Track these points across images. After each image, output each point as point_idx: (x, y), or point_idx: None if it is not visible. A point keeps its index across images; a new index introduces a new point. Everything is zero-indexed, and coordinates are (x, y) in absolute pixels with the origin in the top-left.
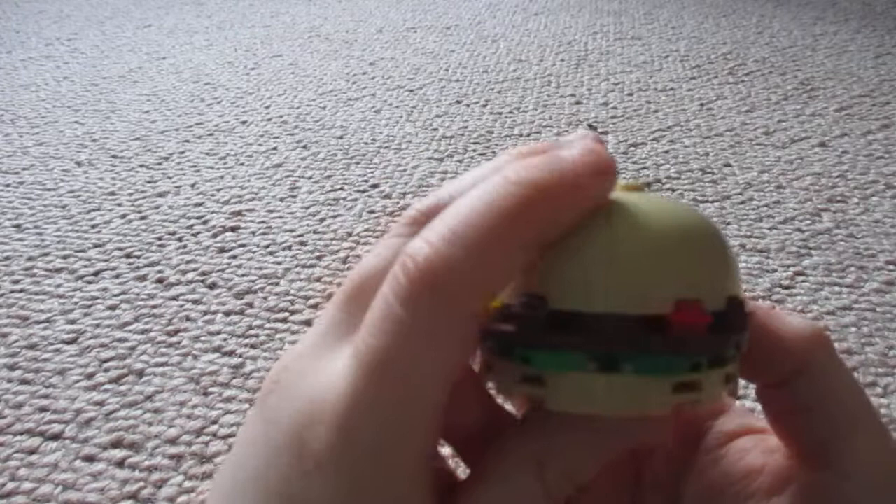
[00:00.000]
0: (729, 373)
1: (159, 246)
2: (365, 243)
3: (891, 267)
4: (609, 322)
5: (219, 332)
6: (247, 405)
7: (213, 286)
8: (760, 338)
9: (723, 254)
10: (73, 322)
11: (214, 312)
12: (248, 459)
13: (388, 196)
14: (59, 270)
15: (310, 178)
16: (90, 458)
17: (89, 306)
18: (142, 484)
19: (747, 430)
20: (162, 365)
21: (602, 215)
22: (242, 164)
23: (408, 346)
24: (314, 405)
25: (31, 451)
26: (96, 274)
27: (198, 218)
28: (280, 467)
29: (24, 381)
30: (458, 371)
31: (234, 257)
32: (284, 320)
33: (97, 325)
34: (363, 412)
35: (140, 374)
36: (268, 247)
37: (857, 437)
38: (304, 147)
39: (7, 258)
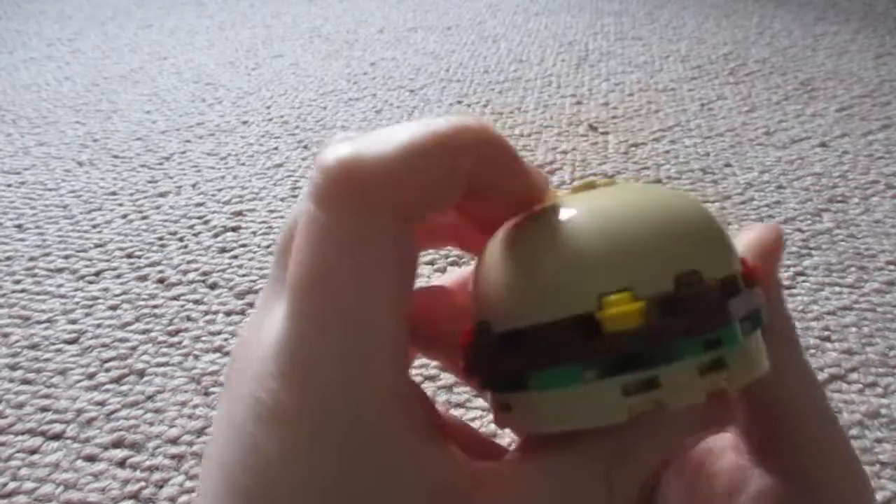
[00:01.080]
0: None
1: (160, 246)
2: None
3: (891, 267)
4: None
5: (220, 332)
6: None
7: (214, 286)
8: None
9: (667, 231)
10: (74, 322)
11: (215, 312)
12: (214, 445)
13: None
14: (60, 270)
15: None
16: (91, 458)
17: (90, 306)
18: (143, 484)
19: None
20: (163, 365)
21: (527, 227)
22: (243, 164)
23: (333, 252)
24: (263, 362)
25: (33, 451)
26: (97, 274)
27: (199, 218)
28: (241, 433)
29: (25, 381)
30: (405, 282)
31: (235, 257)
32: None
33: (98, 325)
34: (302, 347)
35: (141, 374)
36: (269, 247)
37: (810, 440)
38: (305, 147)
39: (9, 258)
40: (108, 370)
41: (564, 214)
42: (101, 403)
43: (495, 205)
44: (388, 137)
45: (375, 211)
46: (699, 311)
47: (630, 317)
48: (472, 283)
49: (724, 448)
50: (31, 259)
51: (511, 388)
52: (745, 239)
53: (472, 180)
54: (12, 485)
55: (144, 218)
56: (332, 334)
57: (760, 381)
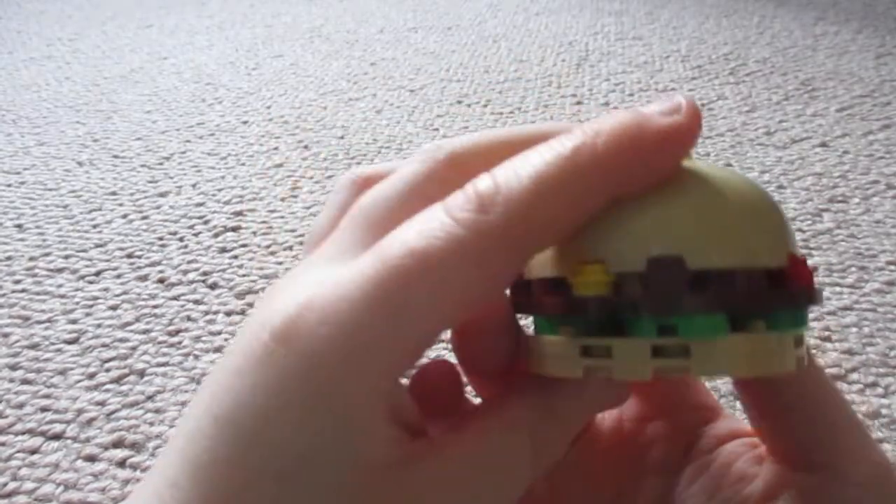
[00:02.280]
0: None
1: (160, 246)
2: None
3: (892, 267)
4: (740, 278)
5: (220, 332)
6: None
7: (214, 286)
8: None
9: (778, 212)
10: (74, 322)
11: (216, 312)
12: (215, 368)
13: None
14: (60, 270)
15: (311, 178)
16: (91, 458)
17: (91, 306)
18: None
19: (737, 434)
20: (163, 365)
21: (676, 178)
22: (244, 164)
23: (444, 249)
24: (292, 295)
25: (33, 451)
26: (98, 274)
27: (199, 218)
28: (235, 362)
29: (25, 381)
30: (474, 309)
31: (236, 257)
32: None
33: (98, 325)
34: (362, 301)
35: (141, 374)
36: (269, 247)
37: (847, 437)
38: (306, 147)
39: (9, 258)
40: (108, 370)
41: (706, 172)
42: (102, 403)
43: (649, 181)
44: (519, 171)
45: (497, 239)
46: (659, 294)
47: (598, 285)
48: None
49: (749, 452)
50: (32, 259)
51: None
52: None
53: (615, 185)
54: (12, 485)
55: (144, 218)
56: (387, 304)
57: (787, 387)
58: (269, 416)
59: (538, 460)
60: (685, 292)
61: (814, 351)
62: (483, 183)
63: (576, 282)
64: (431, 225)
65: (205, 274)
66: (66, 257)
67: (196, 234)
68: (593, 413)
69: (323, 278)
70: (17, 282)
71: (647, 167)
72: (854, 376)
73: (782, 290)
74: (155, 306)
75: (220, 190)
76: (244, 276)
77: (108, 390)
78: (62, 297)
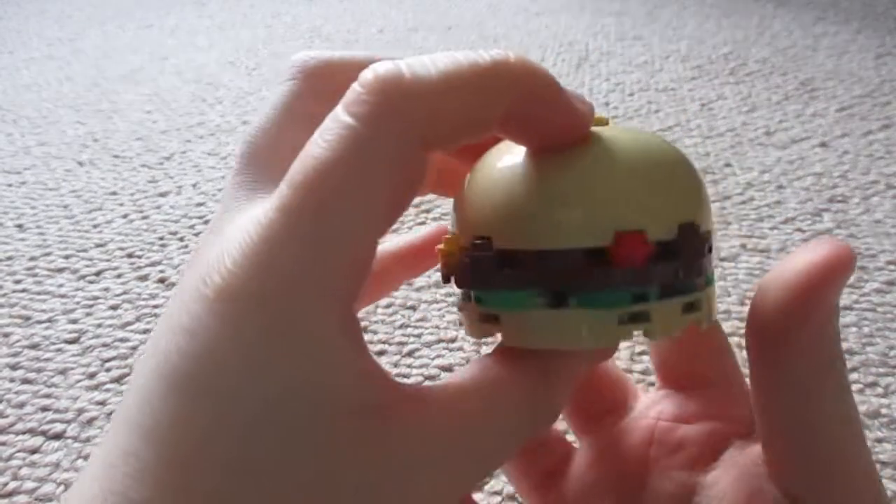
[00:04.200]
0: (689, 302)
1: (161, 246)
2: None
3: (891, 267)
4: (553, 258)
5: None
6: None
7: None
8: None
9: (674, 180)
10: (74, 322)
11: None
12: (150, 339)
13: None
14: (60, 270)
15: None
16: None
17: (91, 306)
18: None
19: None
20: None
21: (549, 154)
22: None
23: (351, 158)
24: (222, 247)
25: (33, 451)
26: (98, 274)
27: (199, 218)
28: (178, 321)
29: (26, 381)
30: (400, 209)
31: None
32: None
33: (99, 325)
34: (284, 233)
35: None
36: None
37: (845, 476)
38: None
39: (9, 258)
40: (108, 370)
41: (584, 148)
42: (102, 403)
43: (535, 136)
44: (430, 63)
45: (403, 134)
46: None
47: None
48: (466, 195)
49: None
50: (32, 259)
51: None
52: (812, 253)
53: (511, 112)
54: (13, 484)
55: (145, 218)
56: (307, 230)
57: (795, 412)
58: (225, 366)
59: (535, 421)
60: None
61: None
62: (385, 66)
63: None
64: (333, 132)
65: None
66: (67, 257)
67: (196, 234)
68: (588, 367)
69: (246, 223)
70: (18, 281)
71: (539, 114)
72: (854, 376)
73: (599, 270)
74: (155, 306)
75: (220, 190)
76: None
77: (108, 390)
78: (63, 296)
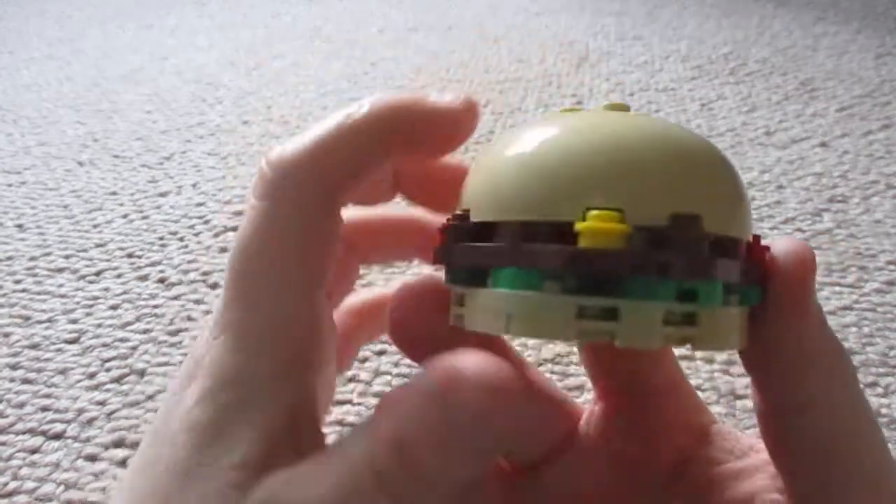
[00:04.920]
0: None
1: (161, 246)
2: None
3: (891, 267)
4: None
5: None
6: None
7: (214, 286)
8: (777, 348)
9: (679, 167)
10: (74, 322)
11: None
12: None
13: None
14: (60, 270)
15: None
16: (92, 458)
17: (91, 306)
18: None
19: (724, 461)
20: (164, 365)
21: (533, 129)
22: (244, 163)
23: (260, 232)
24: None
25: (33, 451)
26: (98, 274)
27: (199, 218)
28: (168, 398)
29: (26, 381)
30: (322, 264)
31: None
32: None
33: (99, 325)
34: (232, 315)
35: (142, 373)
36: None
37: (852, 495)
38: None
39: (9, 258)
40: (108, 370)
41: (575, 124)
42: (102, 403)
43: (427, 152)
44: (308, 132)
45: (297, 197)
46: (685, 255)
47: (611, 237)
48: (467, 176)
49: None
50: (32, 259)
51: (470, 281)
52: (778, 247)
53: (388, 137)
54: (13, 484)
55: (145, 218)
56: (248, 307)
57: (803, 414)
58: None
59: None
60: (710, 256)
61: None
62: (272, 152)
63: (585, 228)
64: (245, 216)
65: (205, 274)
66: (67, 257)
67: (196, 234)
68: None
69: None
70: (18, 281)
71: (417, 130)
72: None
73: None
74: (155, 306)
75: (220, 190)
76: None
77: (108, 390)
78: (63, 296)
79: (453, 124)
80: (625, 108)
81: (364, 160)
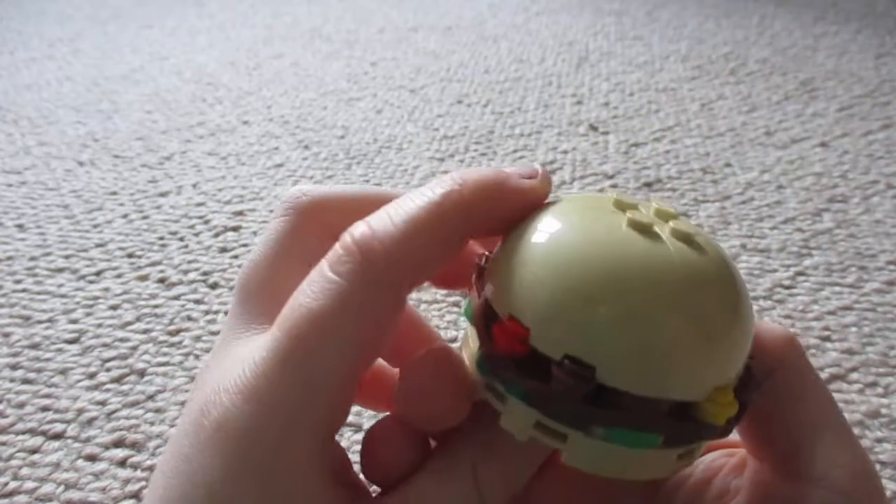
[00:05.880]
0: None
1: (161, 246)
2: None
3: (891, 267)
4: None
5: (220, 332)
6: None
7: (214, 286)
8: None
9: (741, 330)
10: (74, 322)
11: (216, 312)
12: (163, 456)
13: None
14: (61, 270)
15: (311, 178)
16: (92, 458)
17: (91, 306)
18: (143, 483)
19: (714, 445)
20: (164, 365)
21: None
22: (244, 163)
23: (337, 310)
24: (223, 381)
25: (33, 451)
26: (98, 273)
27: (199, 217)
28: (181, 447)
29: (26, 381)
30: (380, 350)
31: (236, 257)
32: None
33: (99, 325)
34: (275, 376)
35: (142, 373)
36: None
37: (825, 443)
38: (306, 147)
39: (9, 258)
40: (108, 370)
41: (691, 279)
42: (102, 403)
43: (502, 229)
44: (392, 216)
45: (379, 285)
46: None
47: (730, 411)
48: (540, 277)
49: (728, 464)
50: (32, 259)
51: (576, 424)
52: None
53: (472, 230)
54: (13, 484)
55: (145, 218)
56: (296, 374)
57: (771, 395)
58: (219, 498)
59: (484, 498)
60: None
61: (813, 351)
62: (359, 230)
63: (710, 410)
64: (319, 285)
65: (205, 274)
66: (67, 257)
67: (196, 234)
68: (543, 455)
69: (241, 358)
70: (18, 281)
71: (502, 217)
72: (854, 376)
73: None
74: (155, 306)
75: (220, 190)
76: None
77: (108, 390)
78: (63, 296)
79: (537, 202)
80: (689, 237)
81: (449, 253)
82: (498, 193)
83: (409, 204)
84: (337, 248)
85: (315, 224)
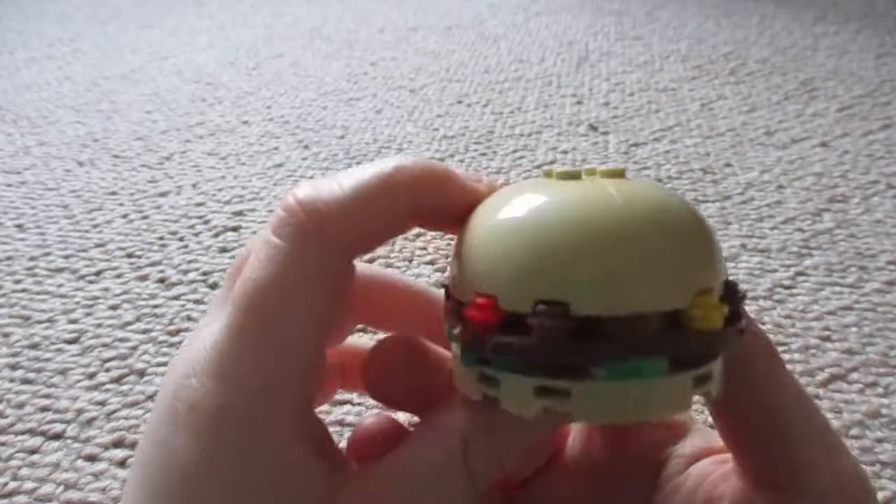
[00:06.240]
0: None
1: (161, 246)
2: None
3: (892, 267)
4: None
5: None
6: None
7: (214, 286)
8: None
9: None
10: (74, 322)
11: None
12: (140, 444)
13: None
14: (60, 270)
15: (311, 177)
16: (92, 458)
17: (91, 306)
18: None
19: (707, 452)
20: (163, 365)
21: (595, 205)
22: (244, 163)
23: (281, 274)
24: (190, 363)
25: (33, 451)
26: (98, 274)
27: (199, 218)
28: (156, 433)
29: (25, 381)
30: (333, 314)
31: (236, 257)
32: None
33: (99, 325)
34: (234, 351)
35: (141, 373)
36: None
37: (811, 449)
38: (306, 147)
39: (9, 258)
40: (108, 370)
41: (636, 203)
42: (102, 403)
43: (444, 222)
44: (340, 181)
45: (324, 246)
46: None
47: (719, 312)
48: (491, 248)
49: (717, 471)
50: (32, 259)
51: (574, 373)
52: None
53: (418, 209)
54: (12, 484)
55: (145, 218)
56: (254, 345)
57: (748, 399)
58: (199, 482)
59: (475, 477)
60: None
61: (813, 351)
62: (303, 191)
63: (697, 314)
64: (263, 252)
65: (205, 274)
66: (67, 257)
67: (196, 234)
68: (537, 434)
69: (204, 339)
70: (18, 282)
71: (446, 206)
72: (854, 376)
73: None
74: (155, 306)
75: (220, 190)
76: None
77: (108, 390)
78: (62, 296)
79: (474, 204)
80: (621, 174)
81: (395, 225)
82: (446, 180)
83: (359, 171)
84: (279, 210)
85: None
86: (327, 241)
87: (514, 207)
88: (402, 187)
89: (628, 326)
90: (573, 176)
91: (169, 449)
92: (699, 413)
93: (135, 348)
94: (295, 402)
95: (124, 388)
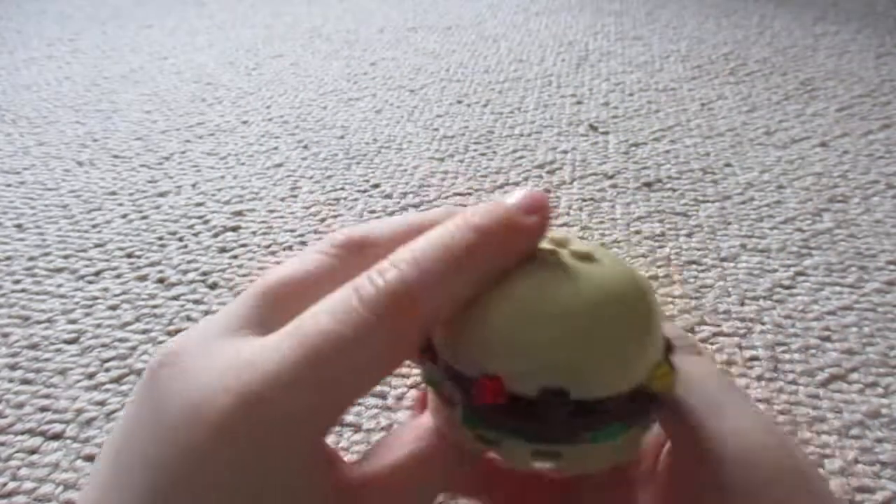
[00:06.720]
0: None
1: (160, 246)
2: None
3: (892, 267)
4: (620, 401)
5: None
6: None
7: (214, 286)
8: None
9: (554, 333)
10: (74, 322)
11: (215, 312)
12: (135, 441)
13: (388, 196)
14: (60, 270)
15: (311, 177)
16: (91, 458)
17: (90, 306)
18: None
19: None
20: None
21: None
22: (243, 163)
23: (364, 341)
24: (219, 379)
25: (32, 451)
26: (97, 274)
27: (199, 218)
28: (172, 443)
29: (25, 381)
30: (380, 378)
31: (235, 257)
32: None
33: (98, 325)
34: (287, 384)
35: (141, 374)
36: (269, 247)
37: (722, 417)
38: (305, 147)
39: (8, 258)
40: (107, 370)
41: (607, 290)
42: (101, 403)
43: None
44: (423, 261)
45: (403, 324)
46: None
47: (671, 376)
48: (497, 331)
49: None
50: (31, 259)
51: (567, 440)
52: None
53: (486, 277)
54: (12, 484)
55: (144, 218)
56: (312, 388)
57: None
58: (229, 498)
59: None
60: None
61: (813, 351)
62: (390, 274)
63: (657, 385)
64: (345, 310)
65: (204, 274)
66: (66, 257)
67: (196, 234)
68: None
69: (246, 356)
70: (17, 282)
71: (509, 255)
72: (854, 376)
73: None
74: (155, 306)
75: (219, 190)
76: (244, 275)
77: (107, 390)
78: (62, 296)
79: (538, 237)
80: (590, 256)
81: (459, 297)
82: (507, 235)
83: (444, 247)
84: (366, 284)
85: (361, 259)
86: (406, 328)
87: (516, 301)
88: (474, 272)
89: (611, 404)
90: (561, 244)
91: (195, 464)
92: None
93: (134, 348)
94: (317, 433)
95: (124, 388)
